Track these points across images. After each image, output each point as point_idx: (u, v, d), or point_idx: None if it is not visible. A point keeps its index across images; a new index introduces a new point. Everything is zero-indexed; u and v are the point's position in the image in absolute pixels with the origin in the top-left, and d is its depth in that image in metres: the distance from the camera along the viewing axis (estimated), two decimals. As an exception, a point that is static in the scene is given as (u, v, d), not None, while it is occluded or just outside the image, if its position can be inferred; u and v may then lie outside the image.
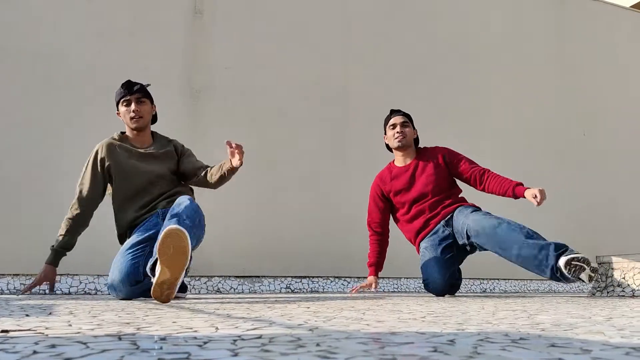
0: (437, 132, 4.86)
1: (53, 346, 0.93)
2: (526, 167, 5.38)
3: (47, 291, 3.22)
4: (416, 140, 3.56)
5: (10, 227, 3.63)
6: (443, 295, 3.27)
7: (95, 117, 3.92)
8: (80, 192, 2.87)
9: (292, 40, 4.63)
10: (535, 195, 2.93)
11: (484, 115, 5.30)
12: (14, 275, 3.58)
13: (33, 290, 3.13)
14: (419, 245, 3.43)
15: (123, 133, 2.97)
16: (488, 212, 3.17)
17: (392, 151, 3.56)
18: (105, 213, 3.81)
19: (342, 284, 4.48)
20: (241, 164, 2.65)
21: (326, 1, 4.81)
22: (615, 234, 5.78)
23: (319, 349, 0.91)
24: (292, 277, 4.33)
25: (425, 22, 5.21)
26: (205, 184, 2.91)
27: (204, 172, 2.91)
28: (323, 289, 4.39)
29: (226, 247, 4.13)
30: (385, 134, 3.55)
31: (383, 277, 4.58)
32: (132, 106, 2.83)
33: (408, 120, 3.50)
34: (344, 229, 4.53)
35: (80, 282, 3.69)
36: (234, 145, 2.63)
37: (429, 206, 3.36)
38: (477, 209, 3.28)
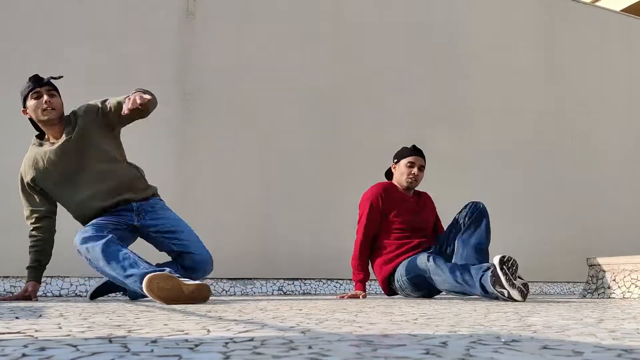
0: (429, 133, 4.87)
1: (43, 349, 0.92)
2: (516, 168, 5.40)
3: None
4: None
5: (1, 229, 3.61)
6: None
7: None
8: (30, 214, 2.79)
9: (284, 42, 4.63)
10: None
11: (475, 116, 5.32)
12: (3, 277, 3.55)
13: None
14: (396, 267, 3.31)
15: (38, 136, 2.82)
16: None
17: (389, 177, 3.54)
18: None
19: (335, 286, 4.47)
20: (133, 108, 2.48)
21: (317, 2, 4.81)
22: (605, 236, 5.81)
23: (311, 351, 0.91)
24: (284, 279, 4.32)
25: (416, 26, 5.22)
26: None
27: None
28: (315, 291, 4.39)
29: (218, 249, 4.11)
30: (396, 161, 3.46)
31: (374, 279, 4.57)
32: (44, 97, 2.68)
33: (424, 164, 3.45)
34: (336, 231, 4.53)
35: (71, 285, 3.67)
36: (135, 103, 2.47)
37: (420, 243, 3.34)
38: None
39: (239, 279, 4.18)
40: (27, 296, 2.72)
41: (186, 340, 1.05)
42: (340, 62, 4.82)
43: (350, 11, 4.94)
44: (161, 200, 2.89)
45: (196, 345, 0.97)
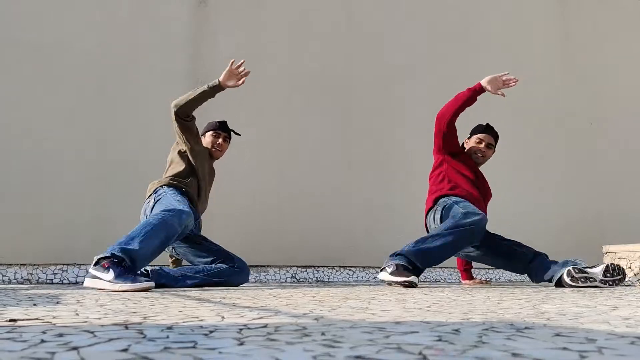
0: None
1: (60, 335, 0.94)
2: (535, 152, 5.36)
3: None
4: None
5: (15, 218, 3.65)
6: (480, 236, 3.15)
7: (97, 108, 3.93)
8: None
9: (295, 30, 4.61)
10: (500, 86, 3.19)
11: (491, 104, 5.28)
12: (20, 265, 3.60)
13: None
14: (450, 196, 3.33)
15: None
16: None
17: (462, 148, 3.57)
18: (111, 203, 3.83)
19: (347, 273, 4.49)
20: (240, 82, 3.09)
21: (331, -10, 4.78)
22: (622, 224, 5.76)
23: (324, 337, 0.92)
24: (297, 266, 4.34)
25: (428, 11, 5.17)
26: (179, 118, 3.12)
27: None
28: (328, 279, 4.40)
29: (231, 237, 4.14)
30: (469, 137, 3.60)
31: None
32: (220, 140, 3.34)
33: (494, 143, 3.57)
34: (349, 219, 4.54)
35: (88, 272, 3.70)
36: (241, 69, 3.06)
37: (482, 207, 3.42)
38: None
39: (253, 266, 4.20)
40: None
41: (201, 327, 1.06)
42: (353, 47, 4.80)
43: (363, -2, 4.90)
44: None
45: (211, 332, 0.98)
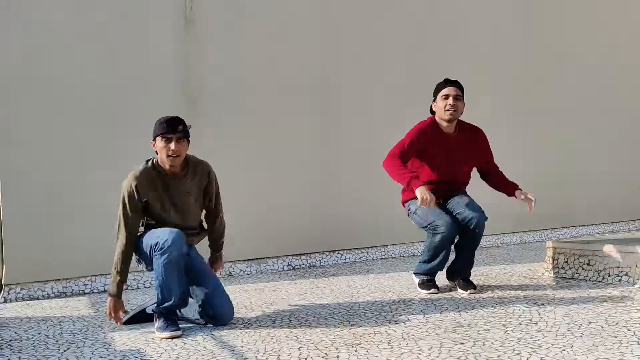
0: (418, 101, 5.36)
1: None
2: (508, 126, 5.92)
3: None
4: None
5: (45, 237, 4.17)
6: (454, 238, 3.43)
7: (100, 126, 4.36)
8: (125, 227, 2.96)
9: (277, 39, 5.00)
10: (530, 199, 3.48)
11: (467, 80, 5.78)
12: (55, 280, 4.16)
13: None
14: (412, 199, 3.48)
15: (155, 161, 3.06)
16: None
17: (433, 114, 3.58)
18: None
19: (337, 256, 5.10)
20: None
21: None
22: (587, 194, 6.42)
23: None
24: (292, 255, 4.94)
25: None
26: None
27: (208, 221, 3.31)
28: (320, 264, 5.00)
29: (232, 234, 4.70)
30: (434, 100, 3.52)
31: (371, 247, 5.21)
32: (172, 145, 2.88)
33: (461, 94, 3.48)
34: (335, 207, 5.10)
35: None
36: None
37: (450, 182, 3.53)
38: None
39: (253, 259, 4.80)
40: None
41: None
42: (334, 54, 5.22)
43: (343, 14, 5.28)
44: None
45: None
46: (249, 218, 4.79)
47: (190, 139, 3.00)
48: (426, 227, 3.44)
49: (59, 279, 4.18)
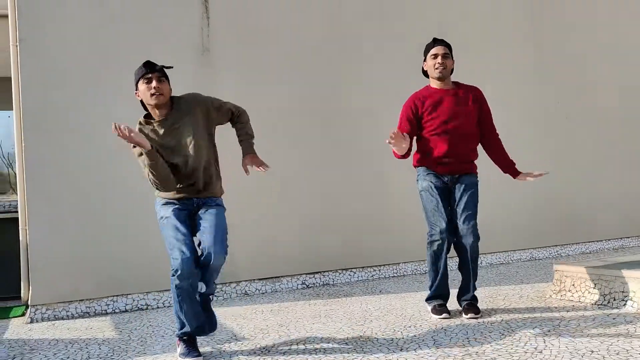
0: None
1: None
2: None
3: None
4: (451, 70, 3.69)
5: (69, 260, 4.35)
6: (448, 243, 3.56)
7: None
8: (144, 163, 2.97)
9: (290, 63, 5.16)
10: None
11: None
12: (79, 300, 4.33)
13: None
14: (425, 170, 3.64)
15: (146, 116, 3.10)
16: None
17: (427, 77, 3.72)
18: (155, 232, 4.48)
19: (349, 274, 5.23)
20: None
21: (315, 18, 5.30)
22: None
23: None
24: (306, 274, 5.08)
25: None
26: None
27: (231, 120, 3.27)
28: (333, 282, 5.14)
29: (249, 254, 4.86)
30: (424, 60, 3.67)
31: (383, 265, 5.34)
32: (153, 83, 2.94)
33: (449, 52, 3.62)
34: (344, 225, 5.24)
35: (134, 300, 4.45)
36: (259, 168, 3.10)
37: (456, 147, 3.56)
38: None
39: (268, 278, 4.95)
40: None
41: None
42: (343, 79, 5.36)
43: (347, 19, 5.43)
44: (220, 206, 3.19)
45: None
46: (264, 237, 4.94)
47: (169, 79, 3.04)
48: (426, 218, 3.63)
49: (82, 300, 4.35)
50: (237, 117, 3.29)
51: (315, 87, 5.24)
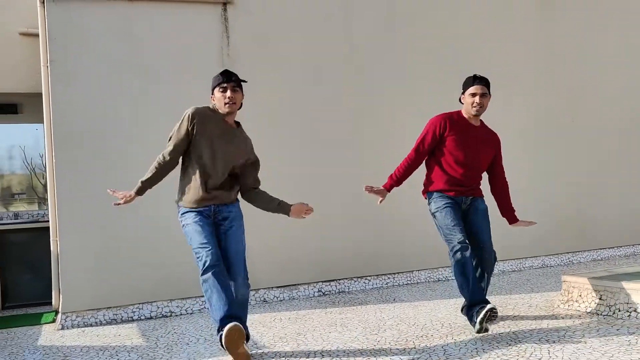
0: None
1: None
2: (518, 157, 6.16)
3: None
4: None
5: (95, 270, 4.58)
6: (471, 253, 3.63)
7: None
8: (173, 141, 3.30)
9: (308, 80, 5.35)
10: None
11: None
12: (107, 308, 4.56)
13: None
14: (438, 194, 3.79)
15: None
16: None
17: (460, 102, 3.88)
18: (179, 243, 4.69)
19: (364, 282, 5.41)
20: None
21: (330, 30, 5.48)
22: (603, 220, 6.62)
23: None
24: (322, 281, 5.27)
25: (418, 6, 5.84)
26: (246, 197, 3.54)
27: (253, 192, 3.52)
28: (349, 289, 5.32)
29: (267, 261, 5.05)
30: (463, 93, 3.82)
31: (395, 273, 5.50)
32: (228, 93, 3.27)
33: (487, 92, 3.77)
34: (362, 235, 5.42)
35: (158, 308, 4.67)
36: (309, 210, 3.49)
37: (470, 176, 3.79)
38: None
39: (286, 286, 5.14)
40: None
41: None
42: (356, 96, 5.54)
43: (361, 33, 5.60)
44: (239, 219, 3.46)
45: None
46: (282, 246, 5.14)
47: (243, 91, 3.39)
48: (440, 232, 3.76)
49: (109, 307, 4.58)
50: (259, 185, 3.56)
51: (331, 101, 5.43)
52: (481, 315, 3.40)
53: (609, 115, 6.81)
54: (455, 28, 5.99)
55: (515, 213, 3.98)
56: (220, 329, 3.07)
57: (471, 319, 3.54)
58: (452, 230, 3.67)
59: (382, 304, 4.66)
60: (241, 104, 3.39)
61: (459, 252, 3.62)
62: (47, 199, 6.18)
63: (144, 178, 3.35)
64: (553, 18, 6.52)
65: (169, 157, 3.31)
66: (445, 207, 3.73)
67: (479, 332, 3.44)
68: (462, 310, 3.84)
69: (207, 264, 3.12)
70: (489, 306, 3.41)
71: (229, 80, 3.27)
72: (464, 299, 3.69)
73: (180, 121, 3.30)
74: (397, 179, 3.83)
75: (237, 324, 3.00)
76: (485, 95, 3.76)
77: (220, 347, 3.16)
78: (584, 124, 6.65)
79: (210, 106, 3.37)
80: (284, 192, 5.16)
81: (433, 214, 3.82)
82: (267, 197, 3.55)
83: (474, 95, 3.73)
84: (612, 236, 6.77)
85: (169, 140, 3.34)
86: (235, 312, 3.12)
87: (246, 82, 3.40)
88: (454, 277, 3.75)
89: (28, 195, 6.63)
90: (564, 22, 6.58)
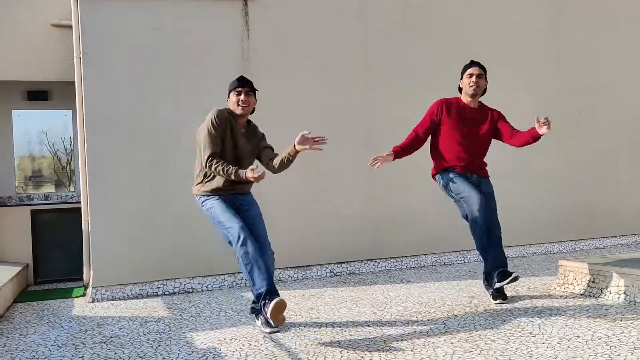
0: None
1: None
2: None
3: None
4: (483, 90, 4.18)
5: (126, 246, 4.92)
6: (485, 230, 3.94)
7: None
8: (212, 145, 3.54)
9: (323, 76, 5.63)
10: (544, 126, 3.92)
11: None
12: (134, 283, 4.91)
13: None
14: (445, 171, 4.10)
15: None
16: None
17: (460, 92, 4.21)
18: (200, 224, 5.03)
19: (374, 264, 5.72)
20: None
21: (345, 34, 5.75)
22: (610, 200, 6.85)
23: None
24: (334, 263, 5.59)
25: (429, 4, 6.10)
26: (270, 168, 3.75)
27: (272, 163, 3.73)
28: (359, 271, 5.63)
29: (283, 244, 5.36)
30: (461, 78, 4.17)
31: (403, 256, 5.80)
32: (242, 96, 3.62)
33: (483, 73, 4.13)
34: (370, 219, 5.71)
35: (181, 284, 5.02)
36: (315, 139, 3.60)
37: (472, 154, 4.09)
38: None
39: (299, 266, 5.46)
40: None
41: None
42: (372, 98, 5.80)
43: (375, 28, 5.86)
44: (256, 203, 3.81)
45: None
46: (297, 229, 5.46)
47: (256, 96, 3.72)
48: (459, 198, 4.05)
49: (136, 282, 4.93)
50: (276, 158, 3.74)
51: (346, 95, 5.71)
52: (510, 281, 3.85)
53: (619, 105, 7.02)
54: (468, 24, 6.23)
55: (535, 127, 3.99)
56: (265, 299, 3.36)
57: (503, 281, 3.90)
58: (470, 191, 3.96)
59: (390, 284, 4.96)
60: (254, 108, 3.73)
61: (475, 206, 3.87)
62: (75, 182, 6.57)
63: (231, 170, 3.50)
64: (564, 17, 6.73)
65: (218, 154, 3.54)
66: (455, 177, 4.05)
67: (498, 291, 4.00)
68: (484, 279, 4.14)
69: (242, 237, 3.42)
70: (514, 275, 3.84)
71: (244, 85, 3.64)
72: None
73: (210, 124, 3.55)
74: (401, 149, 4.12)
75: (282, 298, 3.34)
76: (481, 76, 4.10)
77: (258, 314, 3.58)
78: (594, 113, 6.87)
79: (226, 108, 3.70)
80: (298, 182, 5.50)
81: (446, 188, 4.12)
82: (278, 155, 3.73)
83: (471, 76, 4.09)
84: (616, 225, 7.00)
85: (207, 146, 3.53)
86: (274, 285, 3.45)
87: (257, 90, 3.74)
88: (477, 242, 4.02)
89: (50, 178, 6.98)
90: (573, 21, 6.79)
